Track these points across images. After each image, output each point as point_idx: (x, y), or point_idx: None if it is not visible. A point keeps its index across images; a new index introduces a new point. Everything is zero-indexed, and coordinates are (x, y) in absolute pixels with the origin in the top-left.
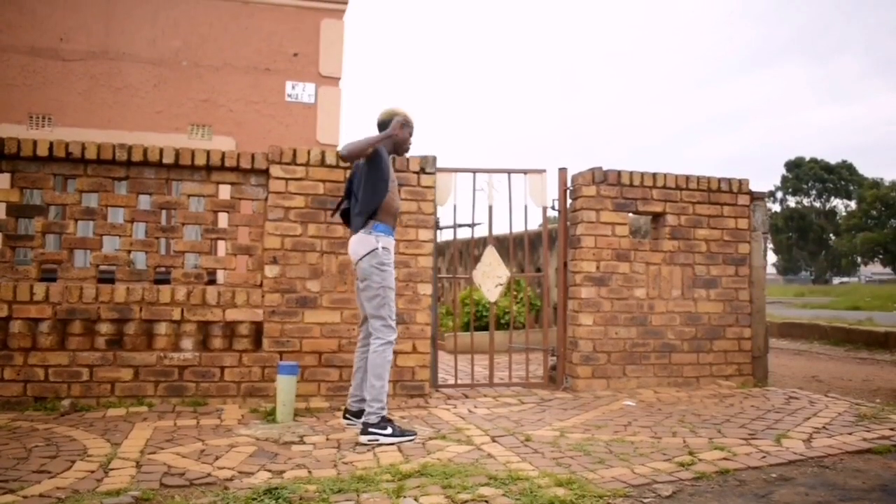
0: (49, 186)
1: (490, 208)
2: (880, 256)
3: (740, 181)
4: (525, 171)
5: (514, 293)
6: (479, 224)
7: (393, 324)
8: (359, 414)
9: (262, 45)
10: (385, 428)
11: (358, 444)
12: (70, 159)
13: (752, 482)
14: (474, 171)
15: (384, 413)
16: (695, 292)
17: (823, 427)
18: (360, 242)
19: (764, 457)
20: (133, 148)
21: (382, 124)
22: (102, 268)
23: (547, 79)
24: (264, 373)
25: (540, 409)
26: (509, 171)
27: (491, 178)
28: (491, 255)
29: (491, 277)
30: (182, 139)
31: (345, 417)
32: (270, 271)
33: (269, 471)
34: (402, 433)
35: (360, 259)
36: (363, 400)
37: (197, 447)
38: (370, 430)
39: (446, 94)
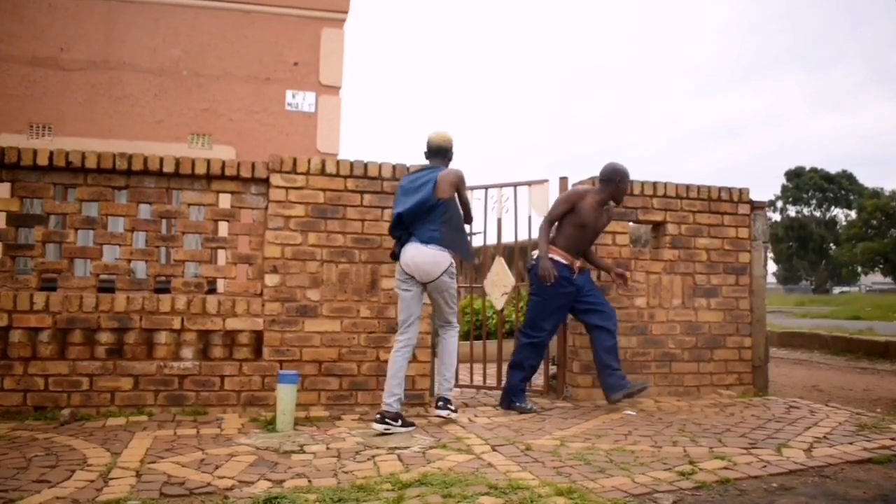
0: (49, 196)
1: (499, 221)
2: (880, 266)
3: (740, 190)
4: (529, 183)
5: (516, 302)
6: (479, 234)
7: None
8: (396, 417)
9: (262, 55)
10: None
11: (448, 420)
12: (70, 169)
13: (752, 492)
14: (486, 188)
15: None
16: (695, 301)
17: (824, 437)
18: (440, 256)
19: (764, 466)
20: (133, 157)
21: (438, 149)
22: (102, 277)
23: (545, 88)
24: (264, 382)
25: (540, 419)
26: (515, 185)
27: (501, 191)
28: (499, 265)
29: (498, 286)
30: (182, 148)
31: (383, 421)
32: (270, 280)
33: (269, 480)
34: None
35: (442, 273)
36: (401, 400)
37: (197, 456)
38: (449, 406)
39: (446, 103)
